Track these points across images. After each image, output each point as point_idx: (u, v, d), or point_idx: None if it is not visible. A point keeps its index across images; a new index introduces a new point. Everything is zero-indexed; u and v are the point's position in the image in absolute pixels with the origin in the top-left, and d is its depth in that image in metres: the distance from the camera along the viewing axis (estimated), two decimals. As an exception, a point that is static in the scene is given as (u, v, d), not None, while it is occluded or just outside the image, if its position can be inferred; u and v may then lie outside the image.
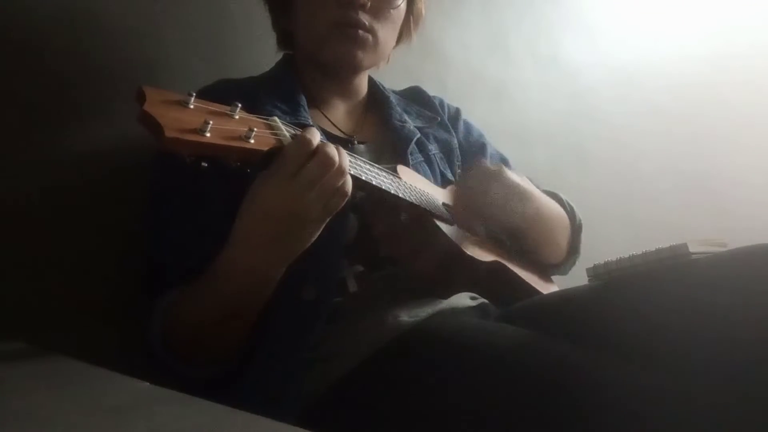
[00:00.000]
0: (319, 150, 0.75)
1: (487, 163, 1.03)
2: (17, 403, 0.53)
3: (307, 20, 1.03)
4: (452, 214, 1.00)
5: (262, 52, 1.14)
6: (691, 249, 0.83)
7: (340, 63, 1.04)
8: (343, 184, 0.77)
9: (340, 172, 0.76)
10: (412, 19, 1.12)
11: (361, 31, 1.00)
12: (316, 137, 0.76)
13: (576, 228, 1.20)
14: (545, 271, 1.18)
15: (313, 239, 0.80)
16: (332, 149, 0.76)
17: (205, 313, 0.84)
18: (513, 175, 1.00)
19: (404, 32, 1.12)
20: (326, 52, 1.02)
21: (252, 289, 0.82)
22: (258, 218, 0.77)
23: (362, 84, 1.14)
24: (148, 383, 0.59)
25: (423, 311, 0.94)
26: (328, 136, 1.01)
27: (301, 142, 0.75)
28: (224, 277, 0.81)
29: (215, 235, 0.83)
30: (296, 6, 1.04)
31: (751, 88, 2.14)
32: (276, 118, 0.77)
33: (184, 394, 0.56)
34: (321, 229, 0.79)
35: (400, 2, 1.04)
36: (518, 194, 0.99)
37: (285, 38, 1.12)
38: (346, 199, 0.79)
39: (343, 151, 0.78)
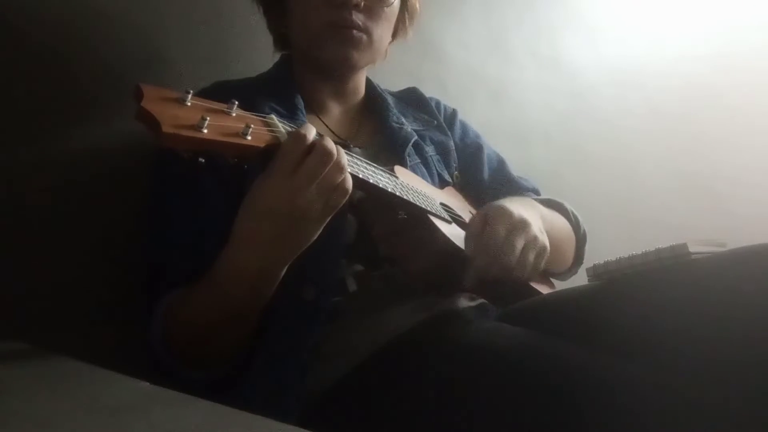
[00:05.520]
0: (317, 145, 0.75)
1: (515, 214, 0.92)
2: (17, 403, 0.53)
3: (301, 22, 1.03)
4: (466, 228, 0.95)
5: (264, 52, 1.14)
6: (691, 249, 0.82)
7: (335, 63, 1.04)
8: (343, 180, 0.77)
9: (339, 167, 0.76)
10: (406, 14, 1.12)
11: (355, 31, 1.00)
12: (311, 132, 0.76)
13: (580, 239, 1.20)
14: (545, 273, 1.18)
15: (315, 237, 0.80)
16: (330, 144, 0.76)
17: (208, 315, 0.84)
18: (537, 230, 0.93)
19: (399, 28, 1.12)
20: (321, 53, 1.02)
21: (254, 289, 0.82)
22: (258, 218, 0.77)
23: (359, 85, 1.13)
24: (148, 383, 0.59)
25: (423, 311, 0.94)
26: None
27: (297, 137, 0.75)
28: (226, 278, 0.81)
29: (215, 235, 0.83)
30: (290, 8, 1.04)
31: (751, 88, 2.13)
32: (273, 116, 0.77)
33: (184, 394, 0.56)
34: (322, 228, 0.79)
35: (393, 0, 1.04)
36: (537, 249, 0.93)
37: (281, 40, 1.11)
38: (347, 196, 0.78)
39: (341, 149, 0.78)
